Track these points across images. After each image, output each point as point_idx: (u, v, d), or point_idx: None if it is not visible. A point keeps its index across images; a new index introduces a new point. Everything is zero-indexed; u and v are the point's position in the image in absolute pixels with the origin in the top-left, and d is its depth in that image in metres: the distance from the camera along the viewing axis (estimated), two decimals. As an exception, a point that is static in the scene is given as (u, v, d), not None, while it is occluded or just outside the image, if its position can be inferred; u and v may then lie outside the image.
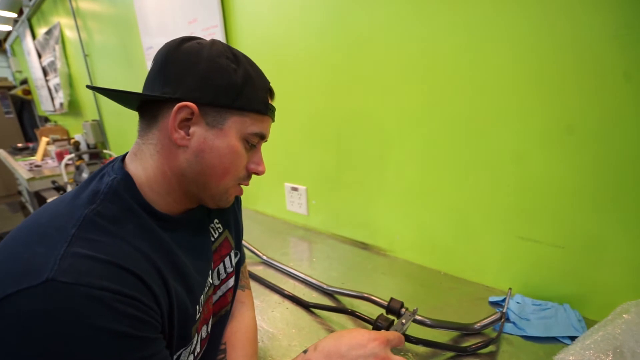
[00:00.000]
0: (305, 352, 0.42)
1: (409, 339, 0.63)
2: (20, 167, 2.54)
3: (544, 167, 0.69)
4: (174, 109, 0.38)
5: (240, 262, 0.61)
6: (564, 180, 0.67)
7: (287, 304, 0.82)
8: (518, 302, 0.73)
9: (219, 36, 1.25)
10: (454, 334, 0.68)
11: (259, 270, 0.97)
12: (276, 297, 0.85)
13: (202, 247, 0.48)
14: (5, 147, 3.77)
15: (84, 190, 0.37)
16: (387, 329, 0.64)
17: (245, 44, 1.22)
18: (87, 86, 0.41)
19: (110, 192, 0.37)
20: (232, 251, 0.55)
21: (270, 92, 0.46)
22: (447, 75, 0.77)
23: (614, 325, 0.60)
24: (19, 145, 3.66)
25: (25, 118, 4.90)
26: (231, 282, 0.55)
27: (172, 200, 0.42)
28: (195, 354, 0.45)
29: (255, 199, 1.42)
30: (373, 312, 0.71)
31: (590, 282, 0.69)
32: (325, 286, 0.85)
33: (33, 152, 3.32)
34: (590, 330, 0.62)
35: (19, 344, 0.26)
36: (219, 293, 0.52)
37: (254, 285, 0.90)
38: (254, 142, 0.44)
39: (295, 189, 1.22)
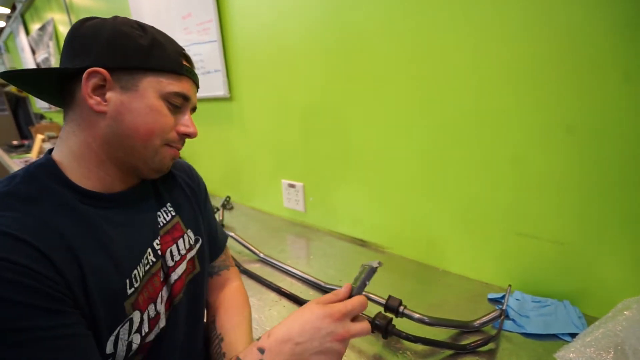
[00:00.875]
0: (258, 339, 0.41)
1: (408, 337, 0.62)
2: (16, 165, 2.52)
3: (543, 163, 0.68)
4: (83, 75, 0.39)
5: (217, 249, 0.65)
6: (563, 176, 0.66)
7: (284, 302, 0.81)
8: (517, 299, 0.72)
9: (214, 31, 1.23)
10: (452, 331, 0.67)
11: (256, 268, 0.96)
12: (273, 295, 0.84)
13: (142, 223, 0.47)
14: (0, 144, 3.73)
15: (4, 177, 0.38)
16: (386, 327, 0.63)
17: (241, 39, 1.20)
18: (1, 74, 0.40)
19: (26, 175, 0.38)
20: (185, 235, 0.54)
21: (184, 57, 0.46)
22: (447, 70, 0.76)
23: (615, 322, 0.59)
24: (14, 142, 3.62)
25: (20, 115, 4.85)
26: (183, 266, 0.53)
27: (105, 174, 0.43)
28: (143, 333, 0.44)
29: (252, 196, 1.41)
30: (371, 309, 0.69)
31: (590, 278, 0.68)
32: (322, 283, 0.84)
33: (28, 149, 3.29)
34: (590, 327, 0.61)
35: None
36: (174, 276, 0.51)
37: (250, 283, 0.89)
38: (176, 102, 0.44)
39: (292, 186, 1.21)
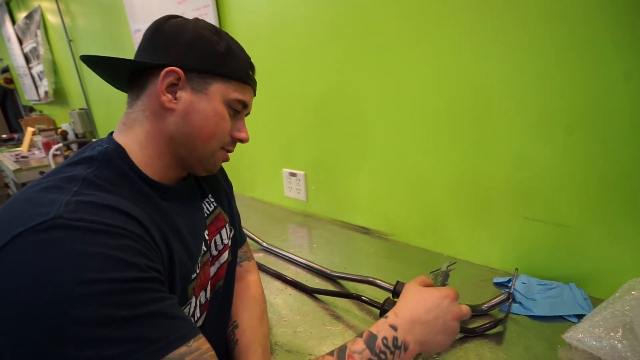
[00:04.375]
0: (386, 317, 0.44)
1: None
2: (6, 159, 2.46)
3: (549, 148, 0.67)
4: (161, 73, 0.41)
5: (241, 240, 0.68)
6: (570, 160, 0.66)
7: (290, 290, 0.80)
8: (523, 283, 0.73)
9: (211, 16, 1.20)
10: (461, 315, 0.67)
11: (260, 257, 0.95)
12: (278, 284, 0.83)
13: (195, 215, 0.50)
14: (-11, 138, 3.64)
15: (77, 159, 0.38)
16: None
17: (239, 23, 1.17)
18: (82, 56, 0.42)
19: (105, 159, 0.39)
20: (227, 225, 0.58)
21: (251, 66, 0.49)
22: (451, 53, 0.74)
23: (622, 302, 0.60)
24: (4, 136, 3.54)
25: (9, 108, 4.73)
26: (226, 255, 0.57)
27: (164, 165, 0.44)
28: (195, 318, 0.47)
29: (253, 185, 1.39)
30: (378, 296, 0.69)
31: (596, 260, 0.68)
32: (328, 271, 0.84)
33: (18, 143, 3.21)
34: (597, 307, 0.62)
35: (28, 273, 0.27)
36: (217, 265, 0.54)
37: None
38: (237, 108, 0.47)
39: (293, 175, 1.20)
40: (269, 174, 1.29)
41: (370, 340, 0.40)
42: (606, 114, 0.61)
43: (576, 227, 0.68)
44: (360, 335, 0.42)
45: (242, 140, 0.49)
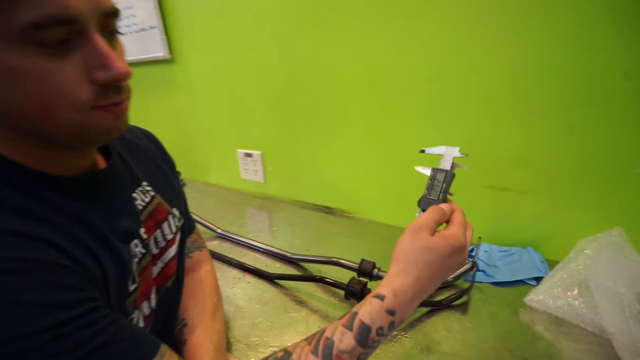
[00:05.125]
0: (380, 297, 0.35)
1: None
2: None
3: (507, 116, 0.67)
4: None
5: (189, 228, 0.59)
6: (528, 127, 0.65)
7: (248, 277, 0.74)
8: (486, 251, 0.73)
9: (143, -24, 1.04)
10: (427, 289, 0.65)
11: (214, 245, 0.87)
12: (235, 272, 0.76)
13: (123, 212, 0.39)
14: None
15: None
16: (362, 292, 0.60)
17: (177, -13, 1.03)
18: None
19: None
20: (170, 215, 0.48)
21: None
22: (419, 23, 0.70)
23: (577, 261, 0.61)
24: None
25: None
26: (173, 250, 0.48)
27: (47, 154, 0.31)
28: None
29: (206, 170, 1.28)
30: (343, 277, 0.66)
31: (552, 223, 0.70)
32: (289, 254, 0.78)
33: None
34: (554, 269, 0.63)
35: None
36: (160, 264, 0.45)
37: (209, 261, 0.80)
38: (53, 37, 0.25)
39: (249, 155, 1.11)
40: (223, 156, 1.19)
41: (362, 333, 0.33)
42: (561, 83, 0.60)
43: (536, 192, 0.69)
44: (348, 325, 0.34)
45: (116, 80, 0.28)
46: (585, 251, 0.62)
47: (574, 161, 0.64)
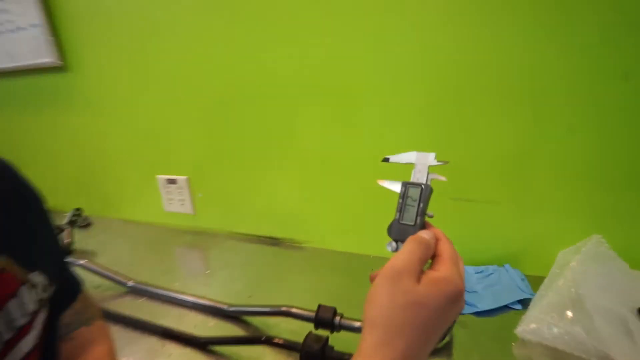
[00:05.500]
0: None
1: (341, 357, 0.45)
2: None
3: (472, 119, 0.60)
4: None
5: (69, 294, 0.42)
6: (493, 130, 0.59)
7: (171, 347, 0.54)
8: (461, 274, 0.63)
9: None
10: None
11: (124, 304, 0.65)
12: (152, 342, 0.56)
13: None
14: None
15: None
16: (322, 353, 0.45)
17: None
18: None
19: None
20: (24, 286, 0.31)
21: None
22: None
23: (564, 278, 0.54)
24: None
25: None
26: (31, 340, 0.31)
27: None
28: None
29: (118, 202, 1.03)
30: (297, 330, 0.50)
31: (526, 235, 0.63)
32: (225, 307, 0.60)
33: None
34: (540, 288, 0.55)
35: None
36: (19, 353, 0.30)
37: (114, 331, 0.58)
38: None
39: (172, 182, 0.91)
40: (139, 185, 0.97)
41: None
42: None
43: (506, 203, 0.62)
44: None
45: None
46: (571, 264, 0.55)
47: (544, 166, 0.58)
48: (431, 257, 0.28)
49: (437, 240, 0.29)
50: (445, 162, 0.31)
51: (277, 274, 0.72)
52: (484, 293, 0.59)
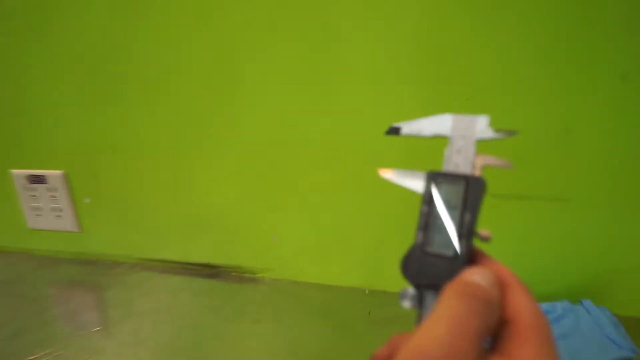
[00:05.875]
0: None
1: None
2: None
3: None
4: None
5: None
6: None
7: None
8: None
9: None
10: None
11: None
12: None
13: None
14: None
15: None
16: None
17: None
18: None
19: None
20: None
21: None
22: None
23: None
24: None
25: None
26: None
27: None
28: None
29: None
30: None
31: (620, 252, 0.42)
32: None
33: None
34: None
35: None
36: None
37: None
38: None
39: (38, 180, 0.58)
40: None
41: None
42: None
43: (579, 201, 0.42)
44: None
45: None
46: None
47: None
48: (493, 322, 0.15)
49: (503, 286, 0.16)
50: (512, 133, 0.18)
51: (219, 326, 0.45)
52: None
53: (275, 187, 0.50)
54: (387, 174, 0.20)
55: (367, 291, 0.50)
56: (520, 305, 0.16)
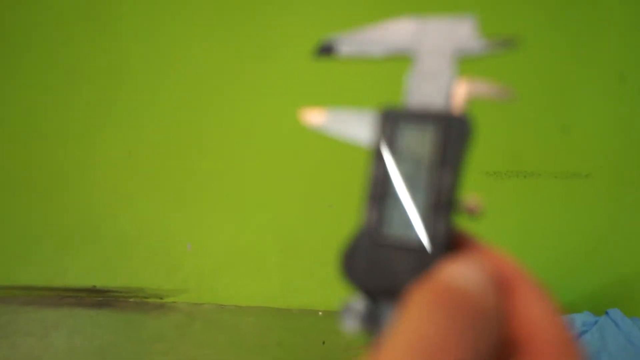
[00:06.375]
0: None
1: None
2: None
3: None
4: None
5: None
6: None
7: None
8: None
9: None
10: None
11: None
12: None
13: None
14: None
15: None
16: None
17: None
18: None
19: None
20: None
21: None
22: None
23: None
24: None
25: None
26: None
27: None
28: None
29: None
30: None
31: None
32: None
33: None
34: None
35: None
36: None
37: None
38: None
39: None
40: None
41: None
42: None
43: (604, 177, 0.32)
44: None
45: None
46: None
47: None
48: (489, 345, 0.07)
49: (505, 288, 0.09)
50: (511, 43, 0.10)
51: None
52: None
53: (185, 181, 0.34)
54: (318, 117, 0.11)
55: (320, 313, 0.36)
56: (533, 316, 0.09)
